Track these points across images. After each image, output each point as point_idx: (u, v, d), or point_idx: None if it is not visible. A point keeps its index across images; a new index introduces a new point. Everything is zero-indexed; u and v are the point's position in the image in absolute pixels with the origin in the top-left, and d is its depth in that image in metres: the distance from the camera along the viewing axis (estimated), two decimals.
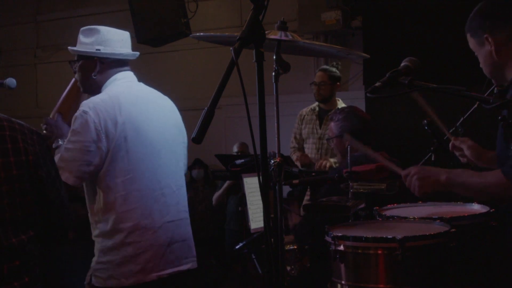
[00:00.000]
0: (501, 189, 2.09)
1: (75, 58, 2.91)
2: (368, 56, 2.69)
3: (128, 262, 2.69)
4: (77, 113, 2.69)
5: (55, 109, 3.01)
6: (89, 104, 2.70)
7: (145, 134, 2.76)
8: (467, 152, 2.73)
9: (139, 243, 2.70)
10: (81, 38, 2.88)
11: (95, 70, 2.85)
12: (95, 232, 2.76)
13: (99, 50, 2.84)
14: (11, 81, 2.79)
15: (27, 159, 2.02)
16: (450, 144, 2.85)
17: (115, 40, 2.88)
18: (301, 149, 5.27)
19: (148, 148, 2.77)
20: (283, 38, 2.19)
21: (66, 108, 3.00)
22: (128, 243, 2.69)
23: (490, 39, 2.19)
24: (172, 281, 2.79)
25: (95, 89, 2.88)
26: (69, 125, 2.81)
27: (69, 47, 2.93)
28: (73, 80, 3.04)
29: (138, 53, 2.98)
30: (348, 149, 2.69)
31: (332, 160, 4.85)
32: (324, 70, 5.20)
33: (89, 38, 2.86)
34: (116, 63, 2.88)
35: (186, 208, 2.96)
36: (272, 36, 2.18)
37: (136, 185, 2.71)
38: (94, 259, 2.76)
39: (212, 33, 2.47)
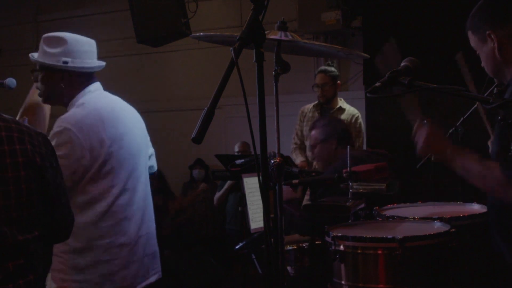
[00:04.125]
0: (501, 186, 2.06)
1: (37, 67, 2.75)
2: (368, 56, 2.69)
3: (106, 281, 2.65)
4: (59, 129, 2.58)
5: (19, 115, 2.91)
6: (70, 120, 2.60)
7: (127, 148, 2.72)
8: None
9: (115, 261, 2.67)
10: (45, 47, 2.71)
11: (62, 82, 2.71)
12: (64, 247, 2.61)
13: (66, 62, 2.67)
14: (11, 81, 2.79)
15: (34, 161, 2.02)
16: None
17: (83, 51, 2.73)
18: (302, 146, 5.27)
19: (130, 162, 2.73)
20: (283, 38, 2.19)
21: (30, 113, 2.90)
22: (104, 260, 2.65)
23: (493, 36, 2.17)
24: None
25: (60, 100, 2.76)
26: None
27: (31, 55, 2.77)
28: (34, 85, 2.90)
29: (104, 63, 2.82)
30: (348, 149, 2.68)
31: None
32: (324, 72, 5.19)
33: (55, 48, 2.69)
34: (85, 76, 2.75)
35: (153, 218, 2.91)
36: (272, 36, 2.18)
37: (116, 202, 2.67)
38: (67, 277, 2.63)
39: (212, 33, 2.46)
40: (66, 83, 2.72)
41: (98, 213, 2.64)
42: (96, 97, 2.75)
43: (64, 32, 2.79)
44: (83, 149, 2.57)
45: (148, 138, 3.01)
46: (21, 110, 2.96)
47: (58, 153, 2.50)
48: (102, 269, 2.64)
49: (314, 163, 4.86)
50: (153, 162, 3.05)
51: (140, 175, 2.82)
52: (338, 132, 3.48)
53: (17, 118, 2.86)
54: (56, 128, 2.60)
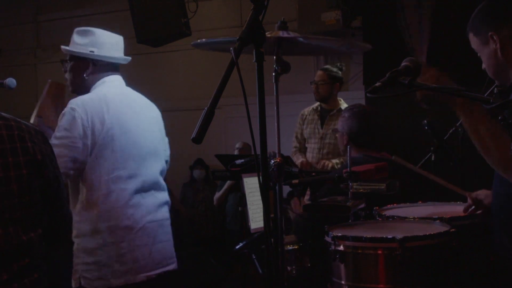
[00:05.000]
0: (503, 162, 2.03)
1: (67, 58, 2.94)
2: (370, 46, 2.65)
3: (115, 262, 2.71)
4: (65, 110, 2.72)
5: (35, 114, 3.03)
6: (77, 101, 2.74)
7: (132, 135, 2.80)
8: (487, 201, 2.54)
9: (121, 243, 2.72)
10: (75, 38, 2.91)
11: (87, 71, 2.89)
12: (73, 232, 2.76)
13: (92, 52, 2.87)
14: (11, 81, 2.79)
15: (36, 158, 2.03)
16: (468, 201, 2.64)
17: (109, 43, 2.91)
18: (302, 149, 5.27)
19: (135, 149, 2.80)
20: (285, 35, 2.19)
21: (46, 111, 3.03)
22: (110, 243, 2.71)
23: (495, 37, 2.16)
24: (160, 281, 2.82)
25: (84, 89, 2.91)
26: (53, 128, 2.84)
27: (62, 46, 2.95)
28: (49, 82, 3.09)
29: (130, 58, 3.00)
30: (348, 149, 2.68)
31: (334, 161, 4.84)
32: (324, 70, 5.20)
33: (84, 39, 2.89)
34: (108, 67, 2.92)
35: (168, 209, 3.00)
36: (275, 35, 2.18)
37: (119, 185, 2.74)
38: (78, 260, 2.76)
39: (213, 39, 2.44)
40: (90, 72, 2.89)
41: (100, 195, 2.71)
42: (109, 86, 2.89)
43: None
44: (86, 128, 2.68)
45: (166, 143, 3.12)
46: (38, 105, 3.09)
47: (63, 133, 2.67)
48: (109, 251, 2.72)
49: (321, 164, 4.87)
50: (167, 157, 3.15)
51: (149, 165, 2.87)
52: (350, 129, 3.46)
53: (33, 115, 2.97)
54: (64, 109, 2.74)
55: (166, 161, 3.12)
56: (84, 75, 2.89)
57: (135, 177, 2.80)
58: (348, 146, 2.72)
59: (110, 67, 2.93)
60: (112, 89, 2.88)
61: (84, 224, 2.73)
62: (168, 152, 3.15)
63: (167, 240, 2.93)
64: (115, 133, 2.73)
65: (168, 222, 2.98)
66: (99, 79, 2.90)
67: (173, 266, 2.92)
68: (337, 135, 3.62)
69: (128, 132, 2.79)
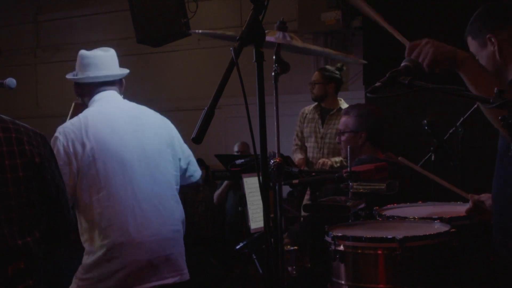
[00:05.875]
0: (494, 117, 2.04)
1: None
2: (365, 61, 2.67)
3: (108, 278, 2.74)
4: (52, 138, 2.79)
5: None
6: (59, 129, 2.83)
7: (115, 151, 2.81)
8: (488, 203, 2.53)
9: (118, 259, 2.74)
10: None
11: (77, 94, 3.02)
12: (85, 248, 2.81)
13: (75, 75, 2.98)
14: (11, 81, 2.79)
15: (33, 161, 2.02)
16: (469, 203, 2.62)
17: (84, 64, 2.95)
18: (303, 147, 5.28)
19: (120, 165, 2.81)
20: (281, 41, 2.17)
21: None
22: (107, 259, 2.74)
23: (493, 39, 2.20)
24: None
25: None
26: None
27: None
28: (73, 103, 3.20)
29: (110, 73, 2.98)
30: (349, 148, 2.68)
31: (333, 159, 4.84)
32: (320, 70, 5.27)
33: (76, 64, 3.00)
34: (92, 86, 2.97)
35: (177, 222, 2.95)
36: (269, 38, 2.17)
37: (110, 202, 2.76)
38: (78, 275, 2.80)
39: (213, 31, 2.44)
40: (79, 94, 3.02)
41: (95, 214, 2.75)
42: (95, 106, 2.94)
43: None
44: (69, 154, 2.75)
45: (179, 147, 3.07)
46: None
47: None
48: (104, 268, 2.74)
49: (320, 161, 4.87)
50: (192, 171, 3.13)
51: (141, 179, 2.85)
52: (371, 127, 3.37)
53: None
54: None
55: (186, 169, 3.08)
56: (77, 96, 3.04)
57: (127, 191, 2.79)
58: (349, 146, 2.71)
59: (95, 86, 2.96)
60: (96, 108, 2.92)
61: (89, 243, 2.78)
62: (185, 154, 3.09)
63: (170, 255, 2.88)
64: (96, 153, 2.77)
65: (177, 235, 2.93)
66: (91, 99, 2.97)
67: (174, 279, 2.88)
68: (343, 136, 3.44)
69: (111, 149, 2.81)
